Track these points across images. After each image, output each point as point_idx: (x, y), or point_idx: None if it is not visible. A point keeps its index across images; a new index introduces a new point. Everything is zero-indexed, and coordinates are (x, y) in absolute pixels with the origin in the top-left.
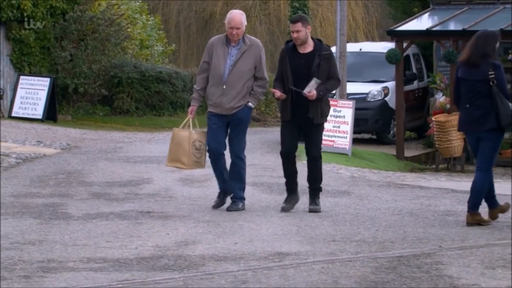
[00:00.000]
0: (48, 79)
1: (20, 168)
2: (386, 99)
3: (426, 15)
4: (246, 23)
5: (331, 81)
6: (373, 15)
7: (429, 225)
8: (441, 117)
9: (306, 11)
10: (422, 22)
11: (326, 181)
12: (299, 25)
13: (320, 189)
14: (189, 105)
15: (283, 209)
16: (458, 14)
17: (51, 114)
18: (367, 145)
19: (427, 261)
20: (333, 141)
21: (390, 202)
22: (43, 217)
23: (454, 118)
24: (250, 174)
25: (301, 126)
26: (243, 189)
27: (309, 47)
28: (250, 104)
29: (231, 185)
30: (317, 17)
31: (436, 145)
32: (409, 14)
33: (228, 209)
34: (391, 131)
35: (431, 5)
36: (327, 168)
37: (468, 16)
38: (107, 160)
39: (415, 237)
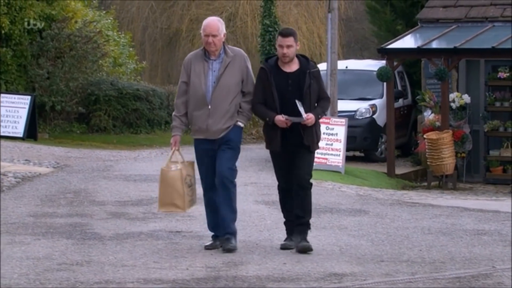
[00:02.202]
0: (28, 97)
1: (22, 187)
2: (374, 116)
3: (415, 33)
4: (225, 31)
5: (323, 101)
6: (338, 32)
7: (469, 245)
8: (433, 135)
9: (277, 29)
10: (411, 40)
11: (336, 200)
12: (291, 40)
13: (309, 225)
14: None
15: (284, 247)
16: (447, 32)
17: (31, 132)
18: (355, 163)
19: (488, 282)
20: (326, 158)
21: (413, 221)
22: (75, 238)
23: (446, 136)
24: (256, 193)
25: (293, 152)
26: (235, 220)
27: (294, 65)
28: (239, 123)
29: (223, 217)
30: None
31: (428, 163)
32: (393, 32)
33: (225, 249)
34: (379, 149)
35: (419, 23)
36: (329, 186)
37: (457, 34)
38: (105, 178)
39: (462, 257)
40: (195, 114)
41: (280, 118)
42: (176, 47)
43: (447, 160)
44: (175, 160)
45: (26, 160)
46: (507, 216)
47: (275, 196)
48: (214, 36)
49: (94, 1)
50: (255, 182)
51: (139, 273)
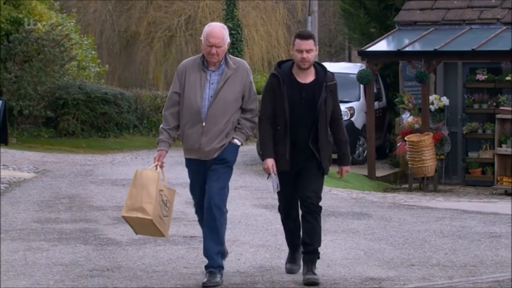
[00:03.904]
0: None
1: (13, 193)
2: (352, 119)
3: (392, 36)
4: (229, 39)
5: (338, 123)
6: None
7: (493, 248)
8: (414, 137)
9: (240, 32)
10: (390, 43)
11: (333, 203)
12: (310, 43)
13: (318, 254)
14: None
15: (290, 271)
16: (426, 35)
17: (2, 137)
18: (333, 166)
19: None
20: None
21: (420, 224)
22: (91, 243)
23: (427, 138)
24: (251, 197)
25: (303, 172)
26: (222, 254)
27: (310, 75)
28: (236, 141)
29: (206, 248)
30: (247, 39)
31: (409, 165)
32: (367, 35)
33: (205, 285)
34: (357, 151)
35: (396, 26)
36: None
37: (436, 37)
38: (93, 183)
39: (492, 260)
40: (188, 131)
41: (269, 167)
42: (134, 50)
43: (428, 162)
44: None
45: (4, 165)
46: (508, 219)
47: (270, 199)
48: (219, 47)
49: (55, 4)
50: (244, 186)
51: (174, 279)
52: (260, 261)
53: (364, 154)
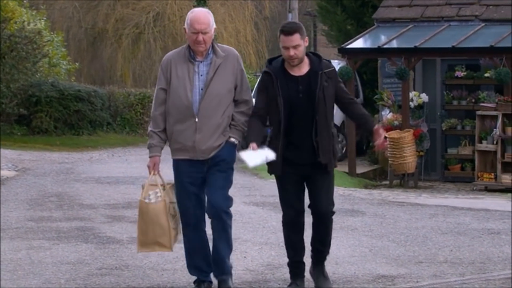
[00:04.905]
0: None
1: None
2: None
3: (371, 33)
4: (215, 25)
5: (355, 105)
6: (263, 32)
7: (496, 245)
8: (394, 134)
9: None
10: (369, 40)
11: None
12: (296, 38)
13: (325, 256)
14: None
15: None
16: (405, 32)
17: None
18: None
19: None
20: None
21: (415, 221)
22: (92, 242)
23: (408, 135)
24: (239, 194)
25: (304, 175)
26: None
27: (304, 67)
28: (232, 139)
29: (219, 254)
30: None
31: (390, 162)
32: (344, 32)
33: None
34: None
35: (375, 23)
36: None
37: (415, 34)
38: (77, 181)
39: (498, 257)
40: (177, 128)
41: (254, 147)
42: (101, 47)
43: (409, 158)
44: (153, 182)
45: None
46: (500, 215)
47: (259, 197)
48: (205, 33)
49: (24, 1)
50: (251, 186)
51: (185, 276)
52: (266, 258)
53: (343, 151)
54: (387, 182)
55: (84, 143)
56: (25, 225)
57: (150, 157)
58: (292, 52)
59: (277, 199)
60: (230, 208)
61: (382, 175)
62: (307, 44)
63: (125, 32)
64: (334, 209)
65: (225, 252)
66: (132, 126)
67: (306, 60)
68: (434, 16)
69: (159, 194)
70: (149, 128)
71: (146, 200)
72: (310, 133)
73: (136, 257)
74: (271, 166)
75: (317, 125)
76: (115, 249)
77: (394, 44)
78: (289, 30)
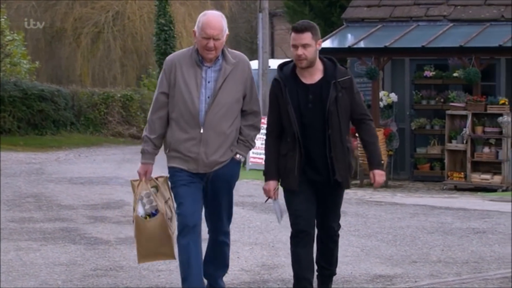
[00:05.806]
0: None
1: None
2: None
3: (341, 33)
4: (227, 31)
5: (366, 126)
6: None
7: (486, 244)
8: None
9: (173, 28)
10: (338, 40)
11: None
12: (307, 36)
13: (332, 276)
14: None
15: None
16: (374, 32)
17: None
18: None
19: None
20: (262, 158)
21: (398, 221)
22: (80, 243)
23: (378, 134)
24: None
25: (317, 190)
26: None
27: (317, 73)
28: (239, 156)
29: (212, 273)
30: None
31: (361, 161)
32: None
33: None
34: None
35: (344, 23)
36: None
37: (384, 34)
38: (50, 182)
39: (490, 256)
40: (179, 137)
41: (270, 191)
42: (60, 46)
43: None
44: (144, 187)
45: None
46: (480, 214)
47: (237, 197)
48: (216, 39)
49: None
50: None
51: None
52: (260, 259)
53: None
54: (358, 182)
55: (48, 143)
56: (7, 226)
57: (142, 163)
58: (300, 51)
59: (256, 199)
60: None
61: (352, 174)
62: (319, 47)
63: (84, 31)
64: (340, 226)
65: (219, 273)
66: (96, 126)
67: (319, 66)
68: (403, 16)
69: (152, 199)
70: (144, 133)
71: (140, 211)
72: (324, 148)
73: (128, 258)
74: (287, 181)
75: (330, 140)
76: (105, 250)
77: (364, 44)
78: (300, 27)
